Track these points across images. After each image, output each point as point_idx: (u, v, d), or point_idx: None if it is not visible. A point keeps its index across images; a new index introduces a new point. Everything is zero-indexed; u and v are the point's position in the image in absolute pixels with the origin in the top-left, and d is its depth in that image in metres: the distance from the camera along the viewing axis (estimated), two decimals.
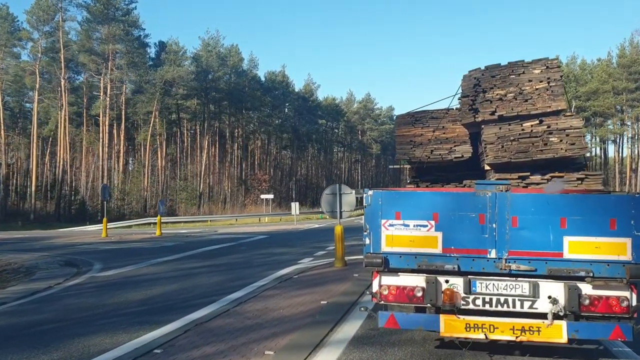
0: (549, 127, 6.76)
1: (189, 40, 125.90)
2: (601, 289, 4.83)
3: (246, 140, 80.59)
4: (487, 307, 5.04)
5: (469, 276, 5.05)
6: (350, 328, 6.72)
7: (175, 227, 39.53)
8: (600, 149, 76.49)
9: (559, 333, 4.81)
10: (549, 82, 6.98)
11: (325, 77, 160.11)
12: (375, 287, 5.27)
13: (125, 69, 55.79)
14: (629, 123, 69.24)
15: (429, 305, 5.10)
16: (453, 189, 6.90)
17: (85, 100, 58.87)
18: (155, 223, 33.91)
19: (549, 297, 4.90)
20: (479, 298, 5.04)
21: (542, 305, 4.93)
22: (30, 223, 46.53)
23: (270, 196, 50.50)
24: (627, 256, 4.74)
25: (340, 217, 12.50)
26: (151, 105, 59.25)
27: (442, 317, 5.01)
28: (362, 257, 13.50)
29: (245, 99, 72.29)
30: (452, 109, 8.00)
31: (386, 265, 5.16)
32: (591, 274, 4.79)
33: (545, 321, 4.84)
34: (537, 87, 7.00)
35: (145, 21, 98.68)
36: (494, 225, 4.95)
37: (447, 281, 5.08)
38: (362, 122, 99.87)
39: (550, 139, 6.67)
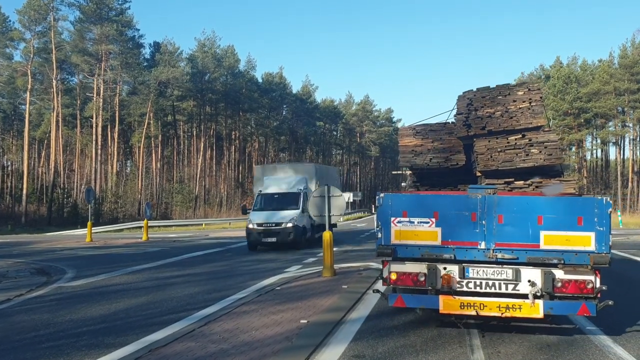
0: (530, 140, 7.69)
1: (184, 41, 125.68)
2: (571, 274, 5.86)
3: (243, 143, 79.59)
4: (477, 289, 6.06)
5: (463, 264, 6.10)
6: (330, 356, 5.77)
7: (167, 231, 38.52)
8: (602, 150, 75.33)
9: (536, 310, 5.84)
10: (530, 103, 7.91)
11: (323, 79, 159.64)
12: (385, 273, 6.36)
13: (119, 69, 54.80)
14: (630, 125, 68.02)
15: (430, 287, 6.14)
16: (450, 192, 7.73)
17: (78, 102, 57.89)
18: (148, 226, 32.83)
19: (529, 281, 5.93)
20: (471, 282, 6.09)
21: (523, 287, 5.95)
22: (22, 226, 45.53)
23: None
24: (591, 247, 5.73)
25: (329, 222, 11.52)
26: (145, 107, 58.26)
27: (440, 297, 6.11)
28: (355, 265, 12.81)
29: (242, 100, 71.27)
30: (449, 122, 8.88)
31: (395, 255, 6.24)
32: (562, 262, 5.81)
33: (527, 300, 5.85)
34: (520, 106, 7.94)
35: (140, 21, 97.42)
36: (483, 222, 5.97)
37: (445, 268, 6.14)
38: (361, 124, 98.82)
39: (531, 151, 7.64)
